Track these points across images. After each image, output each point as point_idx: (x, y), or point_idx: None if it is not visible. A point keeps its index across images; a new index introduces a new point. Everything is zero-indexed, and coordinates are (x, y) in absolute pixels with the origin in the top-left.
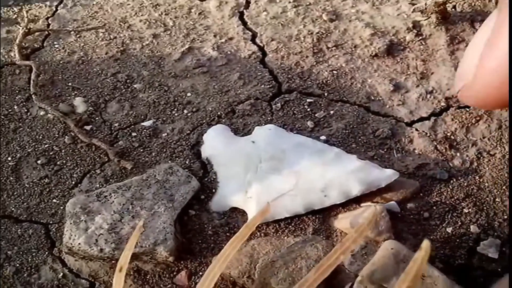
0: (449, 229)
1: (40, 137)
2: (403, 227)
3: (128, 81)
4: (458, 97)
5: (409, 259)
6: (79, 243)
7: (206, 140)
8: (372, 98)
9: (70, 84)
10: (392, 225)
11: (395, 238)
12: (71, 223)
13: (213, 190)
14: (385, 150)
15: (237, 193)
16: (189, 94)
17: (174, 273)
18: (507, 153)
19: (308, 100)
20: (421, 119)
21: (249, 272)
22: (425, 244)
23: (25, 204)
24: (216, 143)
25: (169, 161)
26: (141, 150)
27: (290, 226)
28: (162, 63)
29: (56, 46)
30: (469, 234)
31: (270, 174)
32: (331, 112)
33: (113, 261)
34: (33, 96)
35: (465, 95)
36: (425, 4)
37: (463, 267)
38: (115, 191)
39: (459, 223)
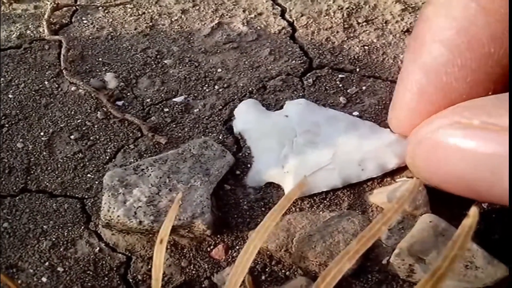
0: (484, 204)
1: (72, 113)
2: (439, 202)
3: (158, 56)
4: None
5: (447, 233)
6: (118, 216)
7: (238, 114)
8: None
9: (100, 59)
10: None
11: (432, 212)
12: (109, 196)
13: (248, 165)
14: None
15: (273, 168)
16: (219, 70)
17: (211, 247)
18: None
19: (340, 76)
20: None
21: (286, 246)
22: (473, 211)
23: (59, 179)
24: (248, 117)
25: (202, 136)
26: (174, 126)
27: (325, 201)
28: (191, 38)
29: (85, 21)
30: (505, 209)
31: (306, 148)
32: (363, 88)
33: (151, 235)
34: (63, 71)
35: (390, 124)
36: None
37: (498, 242)
38: (152, 164)
39: None
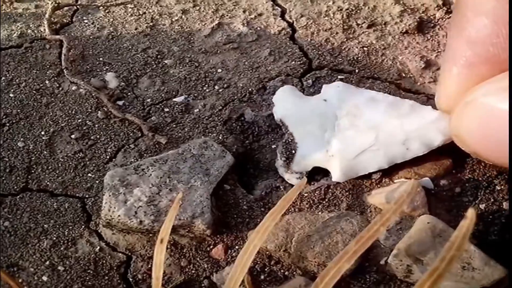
0: (482, 206)
1: (73, 112)
2: (437, 203)
3: (158, 56)
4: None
5: (445, 234)
6: (119, 215)
7: (276, 101)
8: (403, 75)
9: (101, 59)
10: (426, 200)
11: (429, 213)
12: (110, 195)
13: (293, 151)
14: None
15: (318, 152)
16: (219, 70)
17: (211, 246)
18: None
19: (339, 77)
20: None
21: (285, 246)
22: (470, 212)
23: (60, 178)
24: (287, 104)
25: (202, 136)
26: (174, 126)
27: (324, 202)
28: (192, 38)
29: (85, 21)
30: (502, 211)
31: (349, 130)
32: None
33: (151, 234)
34: (64, 70)
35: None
36: None
37: (496, 243)
38: (152, 164)
39: (492, 199)
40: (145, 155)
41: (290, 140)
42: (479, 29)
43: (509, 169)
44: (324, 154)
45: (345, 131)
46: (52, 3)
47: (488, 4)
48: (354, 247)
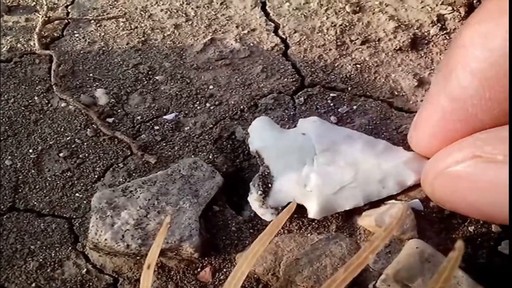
0: (471, 228)
1: (62, 129)
2: (426, 225)
3: (149, 72)
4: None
5: (433, 259)
6: (106, 239)
7: (252, 132)
8: (396, 93)
9: (91, 75)
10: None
11: (419, 236)
12: (97, 218)
13: (269, 185)
14: (409, 146)
15: (296, 187)
16: (211, 87)
17: (198, 269)
18: None
19: (331, 95)
20: None
21: (273, 270)
22: (459, 244)
23: (47, 198)
24: (264, 135)
25: (192, 156)
26: (164, 144)
27: (313, 223)
28: (184, 54)
29: (76, 35)
30: (491, 233)
31: (328, 166)
32: (354, 107)
33: (138, 257)
34: (53, 87)
35: (410, 143)
36: None
37: (484, 267)
38: (141, 186)
39: (481, 222)
40: (134, 174)
41: (266, 173)
42: (464, 87)
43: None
44: (302, 189)
45: (324, 167)
46: (42, 16)
47: (479, 64)
48: (342, 275)
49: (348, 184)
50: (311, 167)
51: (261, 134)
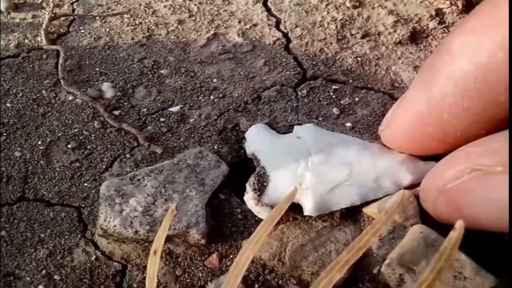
0: None
1: (70, 122)
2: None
3: (154, 66)
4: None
5: (437, 244)
6: (115, 225)
7: (249, 137)
8: (396, 85)
9: (97, 69)
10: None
11: (422, 223)
12: (106, 206)
13: (265, 184)
14: None
15: (291, 185)
16: (215, 80)
17: (205, 255)
18: None
19: (333, 87)
20: None
21: (279, 255)
22: (459, 224)
23: (56, 187)
24: (260, 139)
25: (198, 146)
26: (170, 135)
27: None
28: (187, 49)
29: (82, 31)
30: None
31: (323, 166)
32: (356, 99)
33: (147, 244)
34: (61, 80)
35: (382, 137)
36: None
37: (486, 252)
38: (148, 174)
39: None
40: (141, 164)
41: (262, 173)
42: (444, 94)
43: (509, 180)
44: (297, 186)
45: (318, 167)
46: (49, 13)
47: (463, 75)
48: (345, 257)
49: (343, 182)
50: (306, 167)
51: (257, 138)
